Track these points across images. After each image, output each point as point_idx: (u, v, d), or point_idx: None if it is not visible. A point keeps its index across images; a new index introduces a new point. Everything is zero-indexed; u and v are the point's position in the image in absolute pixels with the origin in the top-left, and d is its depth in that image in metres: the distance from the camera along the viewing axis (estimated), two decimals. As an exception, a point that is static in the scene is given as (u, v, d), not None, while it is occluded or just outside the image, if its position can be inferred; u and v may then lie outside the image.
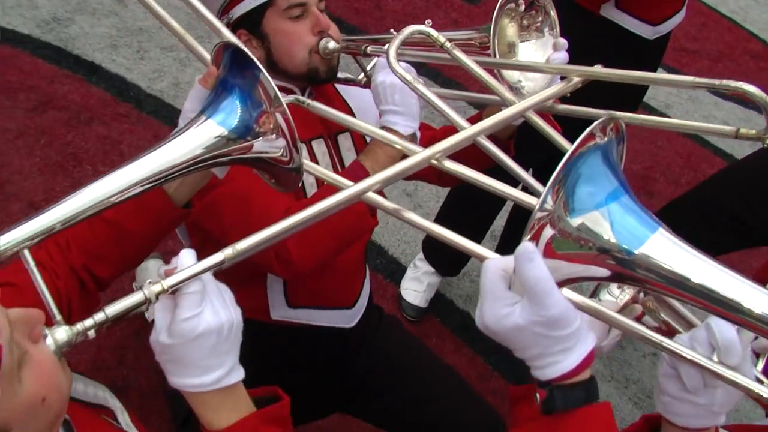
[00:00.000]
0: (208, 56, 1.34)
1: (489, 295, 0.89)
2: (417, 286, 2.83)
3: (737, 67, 4.83)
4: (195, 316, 0.98)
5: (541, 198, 0.89)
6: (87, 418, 1.05)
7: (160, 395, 2.30)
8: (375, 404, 1.94)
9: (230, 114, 1.13)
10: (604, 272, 0.90)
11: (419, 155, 1.16)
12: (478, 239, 2.86)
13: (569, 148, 0.89)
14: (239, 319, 1.02)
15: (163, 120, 3.21)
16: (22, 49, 3.34)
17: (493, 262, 0.91)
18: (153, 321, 1.00)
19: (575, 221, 0.89)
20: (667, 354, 0.93)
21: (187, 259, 1.00)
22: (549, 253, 0.88)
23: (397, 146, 1.31)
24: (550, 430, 0.89)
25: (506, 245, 2.92)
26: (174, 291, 0.97)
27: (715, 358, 0.90)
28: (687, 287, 0.87)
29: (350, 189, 1.08)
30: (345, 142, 1.77)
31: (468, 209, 2.76)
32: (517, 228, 2.87)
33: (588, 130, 0.91)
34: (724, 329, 0.90)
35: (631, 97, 2.50)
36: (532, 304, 0.86)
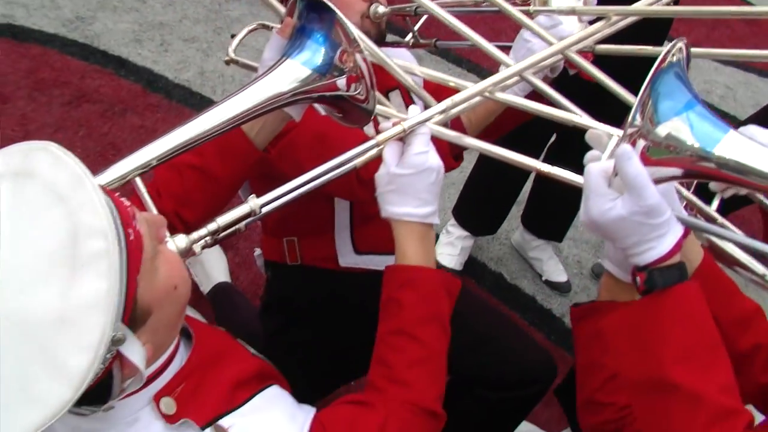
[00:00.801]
0: (282, 9, 1.47)
1: (593, 193, 1.02)
2: (451, 250, 2.95)
3: (733, 33, 4.97)
4: (425, 152, 1.20)
5: (631, 115, 1.02)
6: (195, 326, 1.17)
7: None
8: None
9: (313, 55, 1.27)
10: (689, 171, 1.03)
11: (474, 87, 1.30)
12: (507, 206, 3.00)
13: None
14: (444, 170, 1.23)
15: (193, 108, 3.33)
16: (50, 47, 3.45)
17: (595, 165, 1.04)
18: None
19: (662, 131, 1.02)
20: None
21: (416, 110, 1.24)
22: (644, 160, 1.01)
23: (450, 84, 1.45)
24: (652, 307, 1.02)
25: (532, 210, 3.05)
26: (401, 138, 1.21)
27: None
28: (758, 175, 1.00)
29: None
30: (395, 98, 1.89)
31: (496, 176, 2.89)
32: (540, 195, 3.00)
33: (662, 53, 1.05)
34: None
35: (656, 34, 2.57)
36: (632, 197, 0.99)
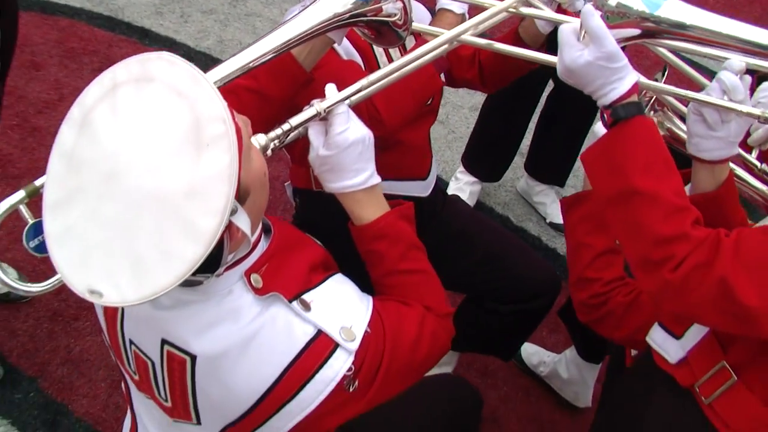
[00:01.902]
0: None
1: (566, 46, 1.25)
2: (461, 195, 3.15)
3: (728, 1, 5.15)
4: (346, 129, 1.34)
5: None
6: (271, 219, 1.37)
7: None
8: (446, 267, 2.26)
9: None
10: (638, 31, 1.31)
11: (499, 5, 1.50)
12: (511, 153, 3.20)
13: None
14: (371, 134, 1.36)
15: (214, 72, 3.53)
16: (77, 20, 3.66)
17: (566, 25, 1.27)
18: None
19: (612, 1, 1.31)
20: (693, 102, 1.28)
21: (332, 91, 1.35)
22: None
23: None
24: (618, 133, 1.24)
25: (535, 158, 3.25)
26: (324, 117, 1.31)
27: (726, 98, 1.26)
28: (698, 30, 1.27)
29: (451, 32, 1.43)
30: (409, 42, 2.08)
31: (499, 125, 3.10)
32: (543, 143, 3.20)
33: None
34: (730, 76, 1.26)
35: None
36: (596, 45, 1.22)
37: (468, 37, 1.47)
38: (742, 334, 1.20)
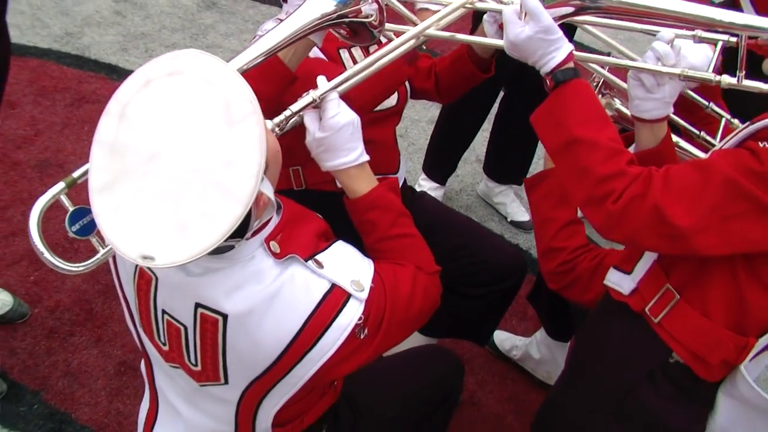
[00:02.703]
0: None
1: (509, 24, 1.47)
2: (425, 200, 3.35)
3: None
4: (337, 114, 1.54)
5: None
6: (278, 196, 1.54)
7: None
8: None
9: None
10: (571, 9, 1.52)
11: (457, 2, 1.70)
12: (465, 147, 3.44)
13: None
14: (359, 118, 1.55)
15: (182, 103, 3.70)
16: (47, 60, 3.82)
17: (508, 7, 1.49)
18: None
19: None
20: (632, 70, 1.49)
21: (323, 81, 1.54)
22: None
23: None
24: (559, 94, 1.45)
25: (492, 159, 3.47)
26: (317, 105, 1.52)
27: (659, 64, 1.47)
28: (626, 4, 1.47)
29: (418, 27, 1.63)
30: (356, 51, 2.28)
31: (452, 131, 3.33)
32: (498, 145, 3.42)
33: None
34: (662, 45, 1.47)
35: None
36: (534, 21, 1.43)
37: (433, 32, 1.67)
38: (678, 254, 1.39)
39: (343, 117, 1.53)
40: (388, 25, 1.75)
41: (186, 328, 1.41)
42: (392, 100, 2.18)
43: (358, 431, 1.77)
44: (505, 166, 3.45)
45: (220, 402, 1.51)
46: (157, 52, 4.04)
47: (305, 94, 1.52)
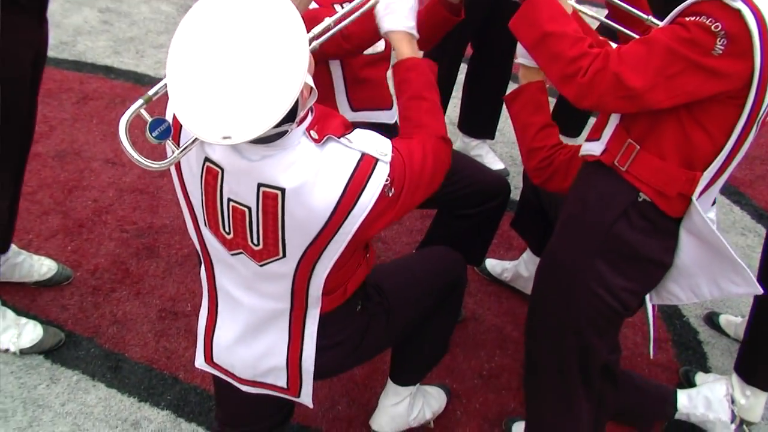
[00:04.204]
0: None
1: None
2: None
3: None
4: None
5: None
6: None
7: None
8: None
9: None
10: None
11: None
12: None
13: None
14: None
15: (178, 92, 4.04)
16: (47, 66, 4.08)
17: None
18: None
19: None
20: None
21: None
22: None
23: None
24: (529, 3, 1.82)
25: (465, 116, 3.85)
26: None
27: None
28: None
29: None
30: None
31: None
32: (470, 101, 3.80)
33: None
34: None
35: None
36: None
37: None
38: (635, 110, 1.76)
39: None
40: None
41: (250, 210, 1.73)
42: (380, 46, 2.55)
43: (384, 309, 2.11)
44: (478, 120, 3.83)
45: (278, 279, 1.83)
46: (147, 53, 4.38)
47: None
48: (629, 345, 2.95)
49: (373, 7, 2.06)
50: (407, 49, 2.00)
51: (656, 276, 1.96)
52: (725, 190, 3.89)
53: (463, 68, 3.79)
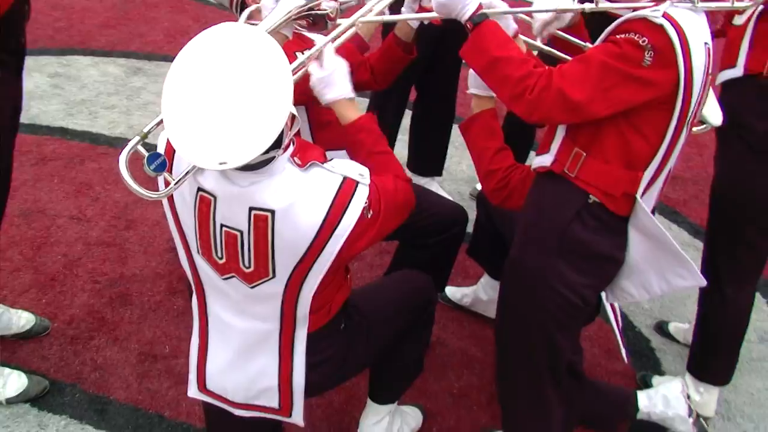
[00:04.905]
0: None
1: None
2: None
3: None
4: (335, 58, 2.10)
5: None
6: None
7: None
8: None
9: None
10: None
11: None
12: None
13: None
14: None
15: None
16: (3, 131, 4.19)
17: None
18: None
19: None
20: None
21: (321, 38, 2.13)
22: None
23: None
24: (478, 31, 2.03)
25: (413, 154, 4.06)
26: (317, 57, 2.09)
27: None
28: None
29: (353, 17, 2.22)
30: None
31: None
32: (417, 139, 4.03)
33: None
34: None
35: None
36: None
37: (369, 17, 2.28)
38: (579, 121, 1.98)
39: (338, 60, 2.10)
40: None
41: (242, 233, 1.87)
42: None
43: (364, 327, 2.26)
44: (426, 158, 4.06)
45: (268, 299, 1.97)
46: (100, 114, 4.51)
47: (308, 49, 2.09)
48: (587, 356, 3.14)
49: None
50: (351, 113, 2.15)
51: (611, 271, 2.18)
52: (663, 210, 4.19)
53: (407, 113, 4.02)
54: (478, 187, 4.02)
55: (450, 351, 3.20)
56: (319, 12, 2.24)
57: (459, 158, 4.57)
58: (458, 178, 4.37)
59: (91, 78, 4.91)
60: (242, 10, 2.54)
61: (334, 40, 2.17)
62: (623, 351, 2.41)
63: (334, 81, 2.08)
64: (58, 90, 4.70)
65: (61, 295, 3.20)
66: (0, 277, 3.22)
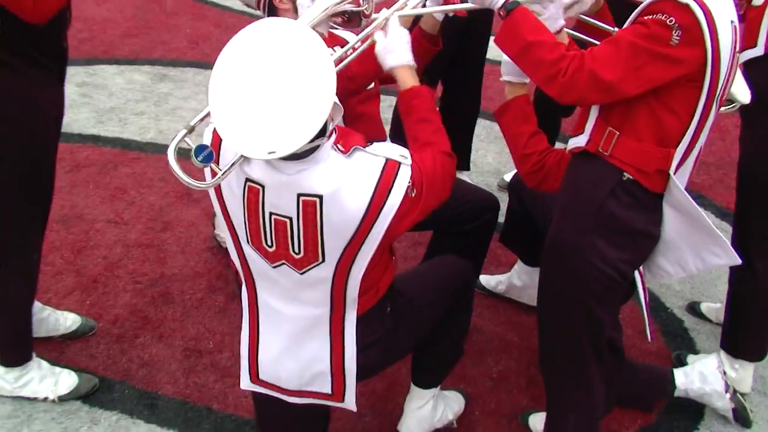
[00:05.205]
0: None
1: None
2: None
3: None
4: (399, 28, 2.23)
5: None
6: None
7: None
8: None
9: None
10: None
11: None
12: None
13: None
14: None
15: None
16: (36, 141, 4.27)
17: None
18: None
19: None
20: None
21: (384, 11, 2.24)
22: None
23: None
24: (511, 17, 2.10)
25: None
26: (383, 27, 2.24)
27: None
28: None
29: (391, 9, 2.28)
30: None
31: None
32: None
33: None
34: None
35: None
36: None
37: (408, 11, 2.33)
38: (611, 101, 2.04)
39: (401, 30, 2.23)
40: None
41: (291, 220, 1.93)
42: (371, 84, 2.81)
43: (409, 310, 2.31)
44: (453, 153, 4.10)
45: (318, 284, 2.02)
46: (130, 120, 4.59)
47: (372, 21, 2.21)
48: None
49: (371, 47, 2.31)
50: (410, 80, 2.24)
51: (647, 247, 2.23)
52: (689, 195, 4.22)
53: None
54: (506, 178, 4.08)
55: (487, 337, 3.25)
56: (354, 9, 2.30)
57: (484, 151, 4.63)
58: (485, 170, 4.42)
59: (118, 86, 5.00)
60: (269, 10, 2.61)
61: (399, 9, 2.29)
62: (647, 329, 2.44)
63: (397, 48, 2.20)
64: (87, 99, 4.79)
65: (104, 296, 3.27)
66: (44, 280, 3.29)
